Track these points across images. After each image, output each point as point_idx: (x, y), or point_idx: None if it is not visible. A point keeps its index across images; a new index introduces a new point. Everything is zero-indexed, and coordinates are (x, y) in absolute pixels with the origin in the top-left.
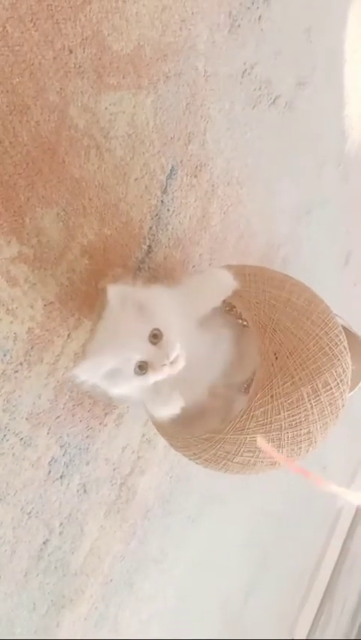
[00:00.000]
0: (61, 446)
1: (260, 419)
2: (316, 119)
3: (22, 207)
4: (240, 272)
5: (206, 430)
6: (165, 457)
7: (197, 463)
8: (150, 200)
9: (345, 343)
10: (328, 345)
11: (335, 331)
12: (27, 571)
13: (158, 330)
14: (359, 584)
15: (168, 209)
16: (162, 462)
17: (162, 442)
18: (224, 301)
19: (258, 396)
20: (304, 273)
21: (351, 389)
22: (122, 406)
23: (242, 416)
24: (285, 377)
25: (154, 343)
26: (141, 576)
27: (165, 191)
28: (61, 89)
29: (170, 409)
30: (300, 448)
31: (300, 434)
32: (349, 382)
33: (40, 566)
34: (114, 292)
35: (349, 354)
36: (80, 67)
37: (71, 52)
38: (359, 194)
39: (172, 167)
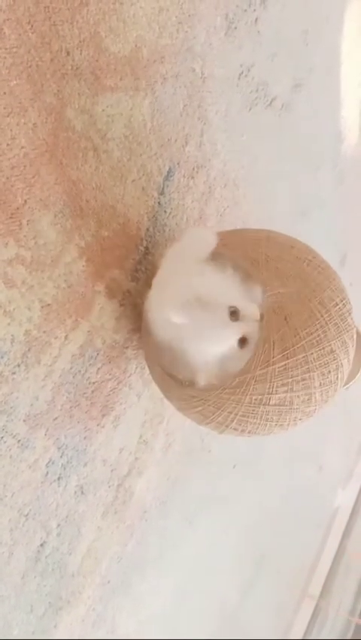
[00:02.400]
0: (58, 448)
1: (281, 344)
2: (312, 121)
3: (19, 209)
4: (255, 237)
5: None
6: (162, 459)
7: (233, 428)
8: (147, 201)
9: (333, 268)
10: (320, 266)
11: (320, 257)
12: (24, 573)
13: (233, 307)
14: (356, 584)
15: (165, 211)
16: (159, 463)
17: (159, 443)
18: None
19: (273, 321)
20: None
21: (349, 380)
22: (119, 408)
23: (263, 346)
24: (292, 299)
25: (235, 319)
26: (139, 577)
27: (162, 193)
28: (58, 90)
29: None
30: (329, 372)
31: (324, 353)
32: (350, 303)
33: (37, 567)
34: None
35: (339, 277)
36: (77, 69)
37: (68, 54)
38: (355, 196)
39: (169, 168)
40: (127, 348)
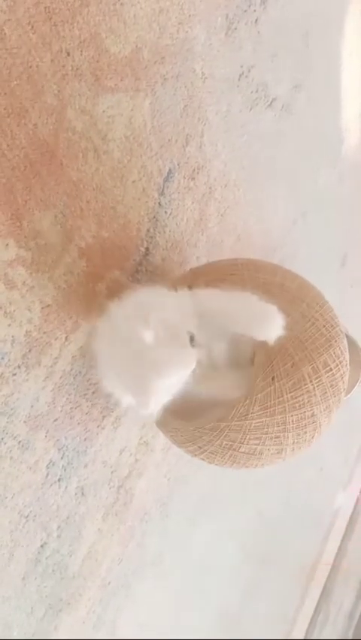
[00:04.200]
0: (59, 449)
1: (263, 402)
2: (312, 122)
3: (19, 210)
4: (232, 262)
5: (210, 420)
6: (162, 460)
7: (202, 458)
8: (147, 202)
9: (341, 327)
10: (324, 326)
11: (330, 314)
12: (25, 574)
13: (192, 332)
14: (356, 585)
15: (166, 212)
16: (159, 464)
17: (159, 444)
18: None
19: (259, 379)
20: (301, 274)
21: (348, 392)
22: (119, 409)
23: (245, 401)
24: (285, 358)
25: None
26: (139, 579)
27: (162, 194)
28: (59, 91)
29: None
30: (305, 432)
31: (304, 417)
32: (348, 366)
33: (38, 569)
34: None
35: (345, 337)
36: (77, 69)
37: (68, 54)
38: (356, 196)
39: (169, 169)
40: None
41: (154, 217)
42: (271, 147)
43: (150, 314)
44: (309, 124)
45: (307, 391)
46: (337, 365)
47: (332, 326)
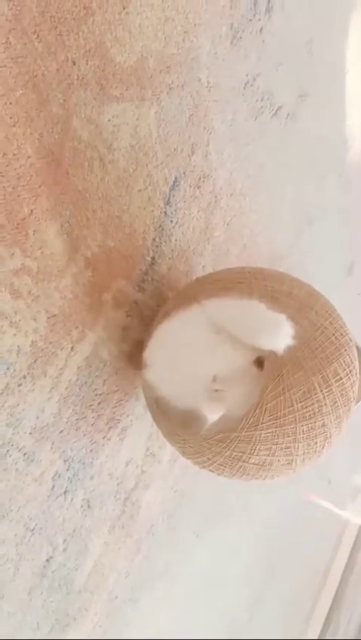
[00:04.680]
0: (65, 461)
1: (273, 412)
2: (318, 130)
3: (25, 219)
4: (240, 271)
5: (219, 430)
6: (169, 471)
7: (211, 470)
8: (153, 211)
9: (350, 335)
10: (334, 335)
11: (340, 322)
12: (30, 589)
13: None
14: None
15: (172, 221)
16: (166, 476)
17: (166, 456)
18: None
19: (269, 389)
20: (308, 283)
21: (357, 400)
22: (125, 420)
23: (255, 411)
24: (295, 367)
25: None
26: (146, 592)
27: (168, 203)
28: (64, 100)
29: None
30: (316, 443)
31: (315, 427)
32: (358, 375)
33: (43, 583)
34: None
35: (354, 346)
36: (83, 78)
37: (74, 63)
38: None
39: (175, 178)
40: (134, 359)
41: (160, 226)
42: (277, 156)
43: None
44: (314, 132)
45: (318, 401)
46: (347, 374)
47: (341, 334)
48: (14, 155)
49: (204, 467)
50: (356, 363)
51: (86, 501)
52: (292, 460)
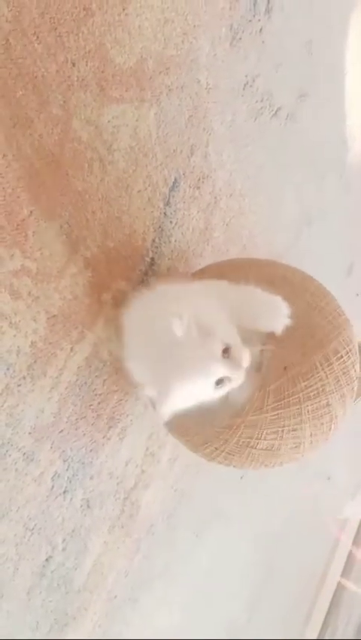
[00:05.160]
0: (64, 460)
1: (277, 394)
2: (317, 131)
3: (25, 220)
4: (233, 261)
5: (224, 418)
6: (169, 471)
7: (219, 461)
8: (152, 212)
9: (346, 316)
10: (331, 314)
11: (335, 303)
12: (30, 588)
13: (227, 344)
14: None
15: (171, 222)
16: (166, 476)
17: (166, 455)
18: None
19: (271, 370)
20: None
21: (358, 395)
22: (125, 419)
23: (259, 392)
24: (295, 347)
25: (225, 357)
26: (146, 592)
27: (167, 204)
28: (64, 101)
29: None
30: (322, 424)
31: (320, 406)
32: (358, 354)
33: (43, 583)
34: (178, 324)
35: (352, 326)
36: (83, 80)
37: (74, 65)
38: None
39: (175, 179)
40: None
41: (160, 227)
42: (276, 156)
43: (185, 308)
44: (314, 133)
45: (320, 379)
46: (347, 352)
47: (338, 314)
48: (14, 156)
49: (212, 459)
50: (355, 341)
51: (85, 501)
52: (300, 443)
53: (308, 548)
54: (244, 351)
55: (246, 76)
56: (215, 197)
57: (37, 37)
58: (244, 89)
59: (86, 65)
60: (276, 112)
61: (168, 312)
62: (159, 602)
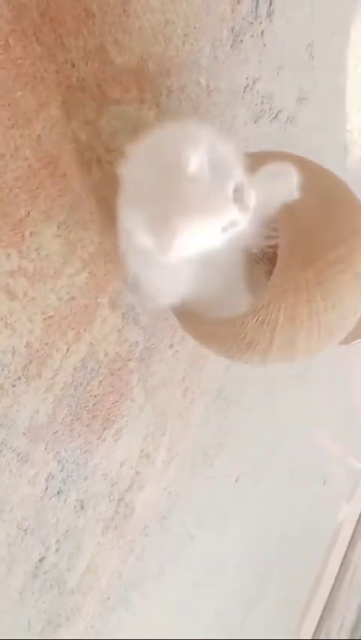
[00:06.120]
0: (58, 461)
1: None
2: (317, 134)
3: (22, 221)
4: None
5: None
6: (163, 473)
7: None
8: None
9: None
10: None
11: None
12: (22, 589)
13: (238, 184)
14: (359, 599)
15: None
16: (160, 477)
17: (160, 457)
18: None
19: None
20: None
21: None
22: (120, 421)
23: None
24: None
25: (236, 198)
26: (139, 593)
27: None
28: (63, 102)
29: None
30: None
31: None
32: None
33: (35, 584)
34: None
35: None
36: (82, 81)
37: (73, 65)
38: None
39: None
40: (129, 360)
41: None
42: None
43: (202, 141)
44: (314, 136)
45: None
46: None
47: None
48: (12, 156)
49: (244, 359)
50: None
51: (79, 502)
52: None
53: (304, 549)
54: (251, 192)
55: (246, 78)
56: None
57: (37, 37)
58: (244, 91)
59: (86, 66)
60: (276, 115)
61: (181, 144)
62: (153, 604)
